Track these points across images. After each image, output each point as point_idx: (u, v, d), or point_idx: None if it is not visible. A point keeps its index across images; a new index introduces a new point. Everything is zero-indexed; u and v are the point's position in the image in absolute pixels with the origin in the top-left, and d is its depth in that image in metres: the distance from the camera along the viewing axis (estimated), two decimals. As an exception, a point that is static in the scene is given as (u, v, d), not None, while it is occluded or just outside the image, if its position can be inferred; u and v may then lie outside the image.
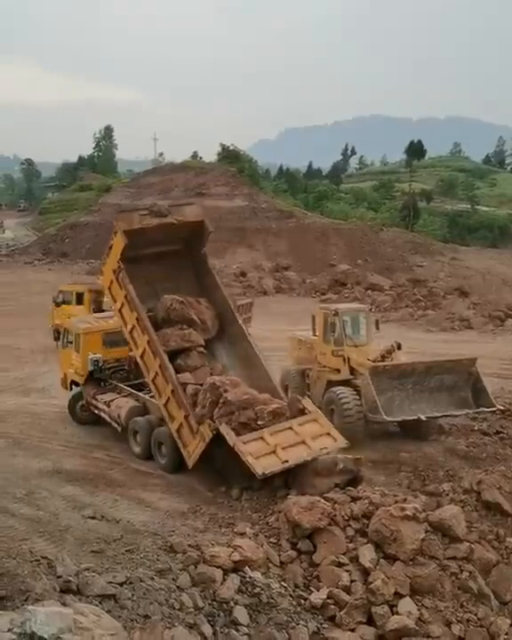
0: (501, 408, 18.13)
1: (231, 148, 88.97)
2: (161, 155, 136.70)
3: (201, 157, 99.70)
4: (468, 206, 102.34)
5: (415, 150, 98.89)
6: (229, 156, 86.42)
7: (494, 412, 17.98)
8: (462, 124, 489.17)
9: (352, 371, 18.18)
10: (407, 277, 49.66)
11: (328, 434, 15.04)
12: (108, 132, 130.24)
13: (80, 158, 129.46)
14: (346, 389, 17.53)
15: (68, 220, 76.29)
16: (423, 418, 16.69)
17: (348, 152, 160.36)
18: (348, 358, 18.25)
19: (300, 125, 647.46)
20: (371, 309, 21.12)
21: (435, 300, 43.17)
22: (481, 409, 17.65)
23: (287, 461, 14.04)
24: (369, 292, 46.04)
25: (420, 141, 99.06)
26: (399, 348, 18.43)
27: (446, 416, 17.58)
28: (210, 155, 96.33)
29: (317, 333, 19.34)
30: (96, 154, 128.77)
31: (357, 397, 17.15)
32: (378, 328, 19.49)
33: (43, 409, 20.55)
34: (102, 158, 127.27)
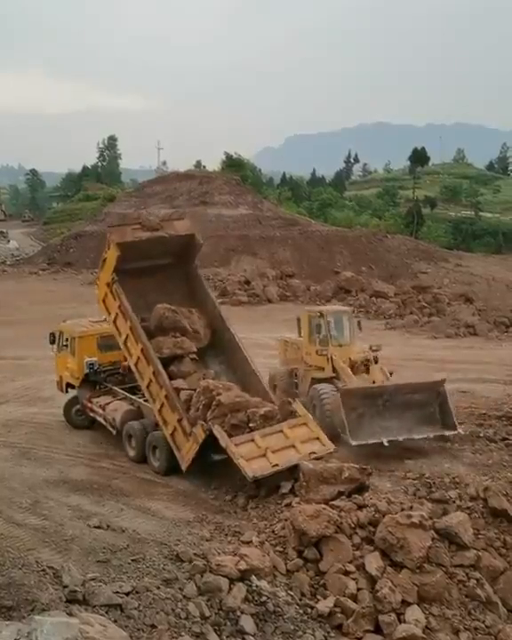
0: (462, 432, 17.53)
1: (235, 156, 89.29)
2: (164, 163, 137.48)
3: (204, 166, 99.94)
4: (472, 213, 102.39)
5: (419, 157, 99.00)
6: (233, 164, 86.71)
7: (456, 434, 17.37)
8: (467, 130, 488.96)
9: (335, 369, 18.91)
10: (412, 284, 49.63)
11: (317, 438, 15.50)
12: (111, 141, 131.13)
13: (84, 168, 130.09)
14: (327, 386, 18.35)
15: (72, 230, 76.43)
16: (385, 443, 16.52)
17: (351, 159, 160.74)
18: (332, 357, 18.94)
19: (303, 133, 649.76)
20: (354, 311, 22.29)
21: (439, 307, 43.19)
22: (442, 432, 17.28)
23: (277, 465, 14.44)
24: (373, 299, 45.96)
25: (423, 148, 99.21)
26: (379, 349, 19.45)
27: (409, 439, 17.16)
28: (214, 163, 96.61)
29: (303, 334, 20.17)
30: (100, 163, 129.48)
31: (337, 393, 17.50)
32: (360, 328, 20.41)
33: (48, 418, 20.62)
34: (106, 168, 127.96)
